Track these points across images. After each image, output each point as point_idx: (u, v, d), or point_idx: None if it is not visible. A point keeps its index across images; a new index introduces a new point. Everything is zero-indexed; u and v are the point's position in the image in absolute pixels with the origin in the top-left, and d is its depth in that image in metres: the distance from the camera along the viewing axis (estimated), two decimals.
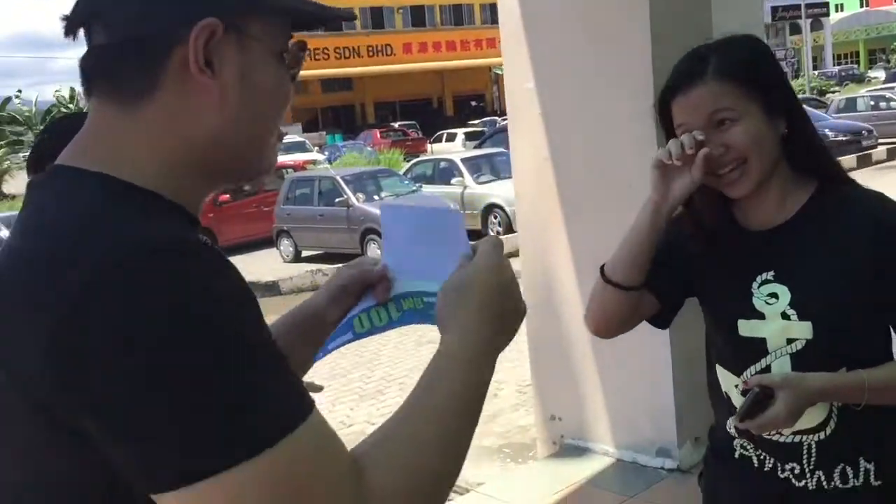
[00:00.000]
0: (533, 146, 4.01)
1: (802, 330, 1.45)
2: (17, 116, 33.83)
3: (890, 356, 1.51)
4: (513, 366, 6.27)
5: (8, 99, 37.16)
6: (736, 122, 1.44)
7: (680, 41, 3.59)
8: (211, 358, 0.66)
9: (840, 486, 1.49)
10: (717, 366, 1.59)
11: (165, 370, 0.65)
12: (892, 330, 1.52)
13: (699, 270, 1.61)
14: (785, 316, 1.46)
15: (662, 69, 3.52)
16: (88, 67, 0.81)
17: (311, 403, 0.72)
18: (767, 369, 1.48)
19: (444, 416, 0.80)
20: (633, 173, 3.63)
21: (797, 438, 1.49)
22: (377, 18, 45.54)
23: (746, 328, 1.50)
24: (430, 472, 0.77)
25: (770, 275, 1.48)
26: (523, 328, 4.36)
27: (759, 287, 1.49)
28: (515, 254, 5.16)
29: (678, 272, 1.63)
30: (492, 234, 13.33)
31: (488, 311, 0.88)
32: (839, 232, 1.46)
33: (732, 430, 1.51)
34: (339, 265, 11.78)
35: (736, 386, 1.54)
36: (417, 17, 46.43)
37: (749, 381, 1.43)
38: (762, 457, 1.55)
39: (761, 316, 1.48)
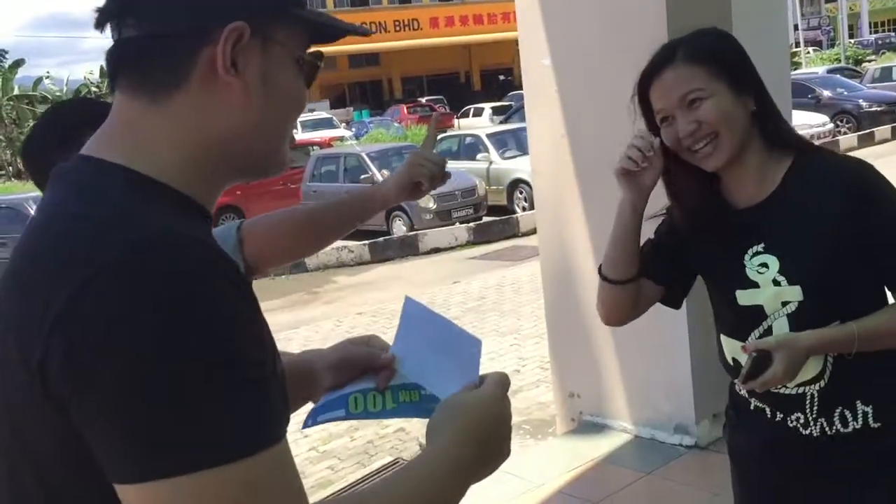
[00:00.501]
0: (549, 123, 3.99)
1: (793, 293, 1.57)
2: (48, 96, 34.21)
3: (883, 303, 1.62)
4: (535, 342, 6.29)
5: (39, 79, 37.56)
6: (705, 99, 1.56)
7: (696, 18, 3.55)
8: (190, 366, 0.69)
9: (841, 430, 1.60)
10: (721, 335, 1.71)
11: (142, 371, 0.68)
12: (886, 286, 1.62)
13: (695, 251, 1.72)
14: (776, 283, 1.58)
15: None
16: (116, 60, 0.84)
17: (280, 434, 0.74)
18: (769, 331, 1.60)
19: None
20: None
21: (799, 390, 1.61)
22: None
23: (744, 297, 1.61)
24: None
25: (760, 247, 1.60)
26: (540, 308, 4.35)
27: (750, 259, 1.61)
28: (533, 231, 5.16)
29: (674, 255, 1.74)
30: (518, 210, 13.30)
31: (473, 437, 0.89)
32: (819, 199, 1.57)
33: (744, 392, 1.66)
34: (366, 241, 11.79)
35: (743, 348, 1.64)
36: None
37: (747, 346, 1.55)
38: (774, 409, 1.66)
39: (755, 285, 1.60)
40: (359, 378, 1.10)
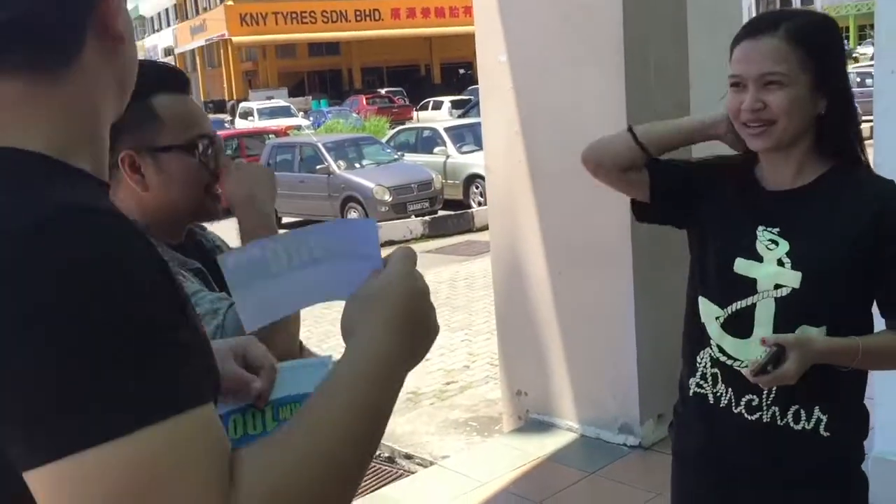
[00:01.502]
0: (504, 120, 3.97)
1: (791, 278, 1.57)
2: None
3: (868, 326, 1.63)
4: (486, 338, 6.29)
5: None
6: (783, 86, 1.54)
7: (652, 19, 3.61)
8: (94, 335, 0.64)
9: (792, 425, 1.61)
10: (701, 297, 1.69)
11: (41, 345, 0.63)
12: (876, 306, 1.64)
13: (714, 207, 1.71)
14: (780, 263, 1.58)
15: (634, 45, 3.52)
16: None
17: (203, 398, 0.69)
18: (752, 308, 1.61)
19: (336, 429, 0.75)
20: None
21: (797, 338, 1.58)
22: None
23: (742, 266, 1.62)
24: (309, 485, 0.72)
25: (774, 230, 1.61)
26: (492, 303, 4.36)
27: (761, 237, 1.62)
28: (486, 227, 5.17)
29: (684, 188, 1.77)
30: (474, 205, 13.30)
31: (393, 324, 0.83)
32: (846, 205, 1.58)
33: (705, 362, 1.68)
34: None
35: (717, 318, 1.65)
36: None
37: (767, 339, 1.53)
38: (718, 393, 1.67)
39: (759, 259, 1.60)
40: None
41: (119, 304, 0.66)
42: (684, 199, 1.76)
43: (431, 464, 4.13)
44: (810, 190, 1.61)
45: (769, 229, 1.61)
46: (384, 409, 0.80)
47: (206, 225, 1.69)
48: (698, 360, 1.70)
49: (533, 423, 4.13)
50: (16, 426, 0.64)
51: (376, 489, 3.85)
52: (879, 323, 1.65)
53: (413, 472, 4.08)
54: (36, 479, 0.64)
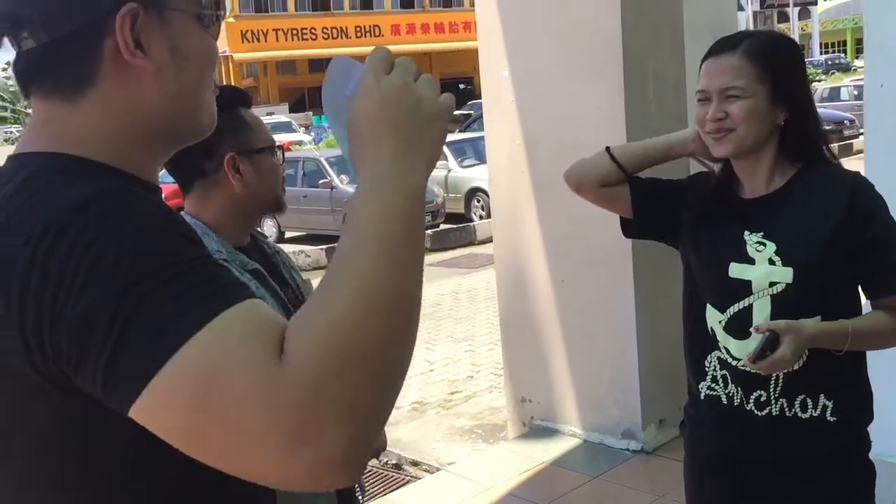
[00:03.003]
0: (507, 133, 4.07)
1: (784, 274, 1.67)
2: (3, 94, 33.43)
3: (857, 308, 1.74)
4: (489, 349, 6.36)
5: None
6: (742, 98, 1.69)
7: (651, 33, 3.71)
8: (126, 284, 0.71)
9: (800, 414, 1.70)
10: (708, 304, 1.80)
11: (93, 308, 0.70)
12: (861, 288, 1.75)
13: (696, 224, 1.85)
14: (771, 261, 1.69)
15: (633, 61, 3.63)
16: (21, 71, 0.86)
17: (231, 297, 0.72)
18: (749, 308, 1.71)
19: (373, 259, 0.73)
20: None
21: (790, 325, 1.67)
22: None
23: (737, 270, 1.73)
24: (362, 326, 0.71)
25: (759, 234, 1.73)
26: (494, 315, 4.42)
27: (749, 241, 1.73)
28: (490, 240, 5.26)
29: (663, 205, 1.93)
30: (475, 219, 13.38)
31: (381, 134, 0.80)
32: (819, 200, 1.70)
33: (744, 363, 1.70)
34: (323, 246, 11.68)
35: (720, 322, 1.76)
36: None
37: (759, 326, 1.64)
38: (730, 393, 1.76)
39: (751, 261, 1.71)
40: None
41: (153, 240, 0.74)
42: (664, 214, 1.90)
43: (438, 470, 4.20)
44: (784, 192, 1.74)
45: (754, 233, 1.73)
46: (413, 226, 0.77)
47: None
48: (707, 364, 1.80)
49: (537, 429, 4.20)
50: (110, 370, 0.70)
51: (384, 495, 3.92)
52: (866, 307, 1.75)
53: (420, 479, 4.16)
54: (139, 409, 0.70)
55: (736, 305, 1.73)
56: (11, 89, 34.61)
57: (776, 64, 1.71)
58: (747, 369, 1.69)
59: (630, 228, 2.01)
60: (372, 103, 0.82)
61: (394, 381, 0.73)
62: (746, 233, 1.74)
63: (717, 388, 1.79)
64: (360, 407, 0.69)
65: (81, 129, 0.84)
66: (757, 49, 1.71)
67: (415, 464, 4.42)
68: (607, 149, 1.93)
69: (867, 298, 1.75)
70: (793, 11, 44.54)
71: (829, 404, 1.70)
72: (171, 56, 0.85)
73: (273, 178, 1.71)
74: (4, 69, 36.06)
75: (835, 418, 1.70)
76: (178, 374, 0.69)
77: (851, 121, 18.87)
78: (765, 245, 1.71)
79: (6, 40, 0.86)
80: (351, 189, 13.04)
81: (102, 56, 0.83)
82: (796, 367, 1.67)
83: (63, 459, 0.79)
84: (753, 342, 1.66)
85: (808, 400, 1.70)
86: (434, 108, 0.83)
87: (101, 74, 0.83)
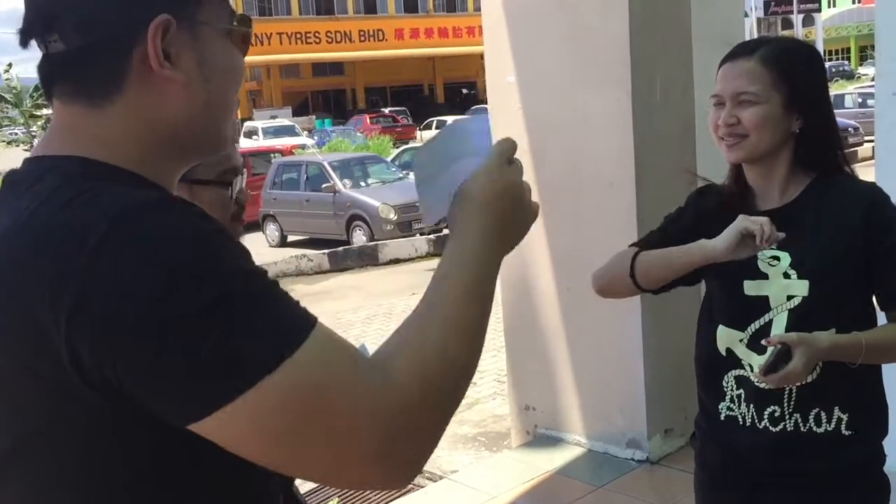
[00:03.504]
0: (513, 139, 4.04)
1: (800, 287, 1.66)
2: (5, 95, 33.52)
3: (873, 321, 1.71)
4: (492, 356, 6.33)
5: None
6: (755, 104, 1.67)
7: (658, 41, 3.69)
8: (210, 299, 0.72)
9: (815, 428, 1.68)
10: (720, 325, 1.77)
11: (170, 319, 0.71)
12: (875, 300, 1.72)
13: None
14: (786, 275, 1.67)
15: (641, 67, 3.60)
16: (47, 74, 0.85)
17: (312, 320, 0.77)
18: (769, 324, 1.69)
19: (456, 309, 0.84)
20: (611, 170, 3.69)
21: (802, 337, 1.63)
22: (370, 4, 45.35)
23: (752, 287, 1.70)
24: (445, 359, 0.81)
25: (773, 247, 1.67)
26: (500, 320, 4.42)
27: (763, 255, 1.68)
28: None
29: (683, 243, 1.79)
30: None
31: (487, 217, 0.91)
32: (834, 211, 1.68)
33: (756, 378, 1.66)
34: (325, 251, 11.68)
35: (741, 340, 1.73)
36: (410, 3, 46.24)
37: (771, 339, 1.60)
38: (745, 412, 1.74)
39: (765, 276, 1.69)
40: None
41: (226, 262, 0.75)
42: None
43: (441, 478, 4.17)
44: (799, 203, 1.71)
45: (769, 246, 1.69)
46: (487, 293, 0.89)
47: None
48: (724, 384, 1.76)
49: (541, 437, 4.17)
50: (178, 386, 0.72)
51: (388, 503, 3.89)
52: (881, 318, 1.72)
53: (423, 487, 4.12)
54: (213, 424, 0.73)
55: (757, 322, 1.71)
56: (15, 91, 34.66)
57: (793, 71, 1.69)
58: (762, 385, 1.66)
59: (656, 290, 1.86)
60: (493, 186, 0.92)
61: (463, 395, 0.86)
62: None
63: (735, 408, 1.76)
64: (443, 424, 0.82)
65: (106, 135, 0.84)
66: (774, 55, 1.68)
67: None
68: (631, 265, 1.78)
69: (882, 310, 1.72)
70: (797, 18, 44.57)
71: (845, 417, 1.68)
72: (198, 69, 0.86)
73: (215, 212, 1.54)
74: (6, 70, 36.16)
75: (850, 432, 1.68)
76: (280, 390, 0.73)
77: (856, 128, 18.86)
78: (779, 259, 1.68)
79: (33, 42, 0.85)
80: (353, 193, 13.07)
81: (131, 64, 0.83)
82: (809, 379, 1.64)
83: (85, 464, 0.80)
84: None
85: (823, 413, 1.68)
86: (529, 213, 0.97)
87: (129, 82, 0.83)
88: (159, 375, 0.72)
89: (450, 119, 29.16)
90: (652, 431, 3.80)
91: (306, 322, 0.76)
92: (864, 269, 1.65)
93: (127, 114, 0.84)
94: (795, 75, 1.69)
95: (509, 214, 0.93)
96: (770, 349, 1.58)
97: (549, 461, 3.94)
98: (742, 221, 1.59)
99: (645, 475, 3.73)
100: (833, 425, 1.68)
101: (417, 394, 0.77)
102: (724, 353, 1.76)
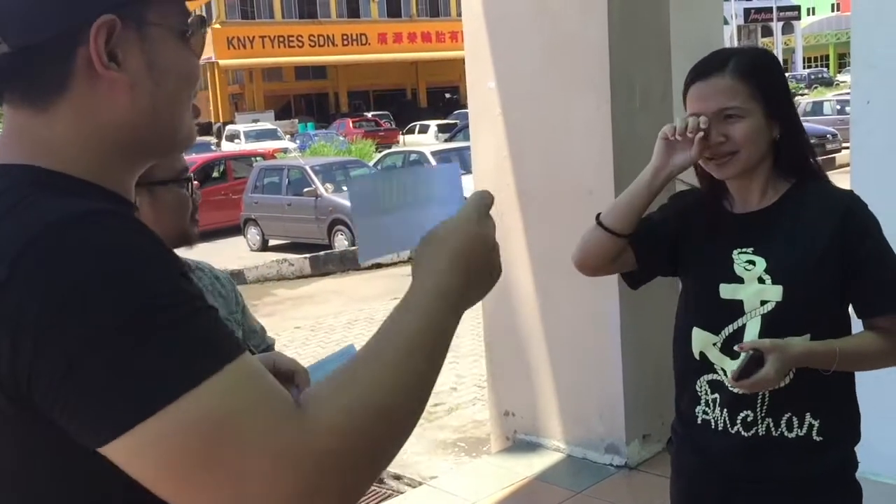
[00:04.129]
0: (493, 145, 4.05)
1: (774, 293, 1.65)
2: None
3: (847, 328, 1.72)
4: (472, 361, 6.33)
5: None
6: (741, 118, 1.66)
7: (637, 48, 3.71)
8: (123, 319, 0.70)
9: (786, 434, 1.68)
10: (694, 328, 1.77)
11: (85, 334, 0.69)
12: (851, 307, 1.72)
13: (688, 243, 1.81)
14: (761, 280, 1.67)
15: (620, 73, 3.62)
16: None
17: (232, 353, 0.74)
18: (742, 329, 1.69)
19: (399, 356, 0.80)
20: (591, 175, 3.70)
21: (774, 343, 1.64)
22: (353, 7, 45.31)
23: (727, 291, 1.71)
24: (377, 410, 0.77)
25: (749, 250, 1.70)
26: (478, 326, 4.42)
27: (738, 258, 1.70)
28: None
29: (664, 244, 1.84)
30: None
31: (454, 264, 0.88)
32: (811, 216, 1.68)
33: (728, 382, 1.69)
34: (307, 255, 11.62)
35: (714, 344, 1.74)
36: (393, 7, 46.25)
37: (744, 345, 1.61)
38: (718, 416, 1.74)
39: (740, 280, 1.69)
40: None
41: (148, 282, 0.72)
42: (668, 250, 1.85)
43: (420, 484, 4.16)
44: (776, 207, 1.71)
45: (744, 250, 1.70)
46: (442, 335, 0.85)
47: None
48: (698, 388, 1.77)
49: (520, 443, 4.17)
50: (84, 406, 0.69)
51: None
52: (857, 325, 1.73)
53: (402, 493, 4.11)
54: (115, 449, 0.70)
55: (730, 326, 1.71)
56: None
57: (765, 79, 1.70)
58: (735, 390, 1.66)
59: (635, 280, 1.92)
60: (467, 235, 0.91)
61: (396, 450, 0.82)
62: (736, 251, 1.71)
63: (709, 412, 1.77)
64: (370, 471, 0.78)
65: (51, 139, 0.82)
66: (745, 67, 1.68)
67: (396, 477, 4.38)
68: (597, 219, 1.82)
69: (858, 318, 1.73)
70: (776, 26, 45.00)
71: (816, 423, 1.68)
72: (147, 70, 0.83)
73: (177, 212, 1.60)
74: None
75: (821, 438, 1.68)
76: (180, 422, 0.69)
77: (834, 135, 19.04)
78: (754, 263, 1.69)
79: None
80: (335, 197, 13.05)
81: (75, 66, 0.81)
82: (782, 384, 1.65)
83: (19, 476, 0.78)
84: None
85: (795, 419, 1.68)
86: (496, 271, 0.95)
87: (72, 84, 0.81)
88: (64, 397, 0.70)
89: (433, 123, 29.22)
90: (630, 437, 3.81)
91: (225, 354, 0.73)
92: (840, 276, 1.65)
93: (71, 117, 0.82)
94: (768, 83, 1.70)
95: (475, 269, 0.91)
96: (742, 355, 1.59)
97: (529, 467, 3.94)
98: (662, 130, 1.69)
99: (623, 480, 3.74)
100: (804, 431, 1.68)
101: (338, 441, 0.73)
102: (697, 357, 1.76)
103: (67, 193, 0.78)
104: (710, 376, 1.75)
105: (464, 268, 0.89)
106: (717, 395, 1.74)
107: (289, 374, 1.13)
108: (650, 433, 3.83)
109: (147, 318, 0.70)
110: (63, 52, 0.80)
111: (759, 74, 1.69)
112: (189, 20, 0.88)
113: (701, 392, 1.77)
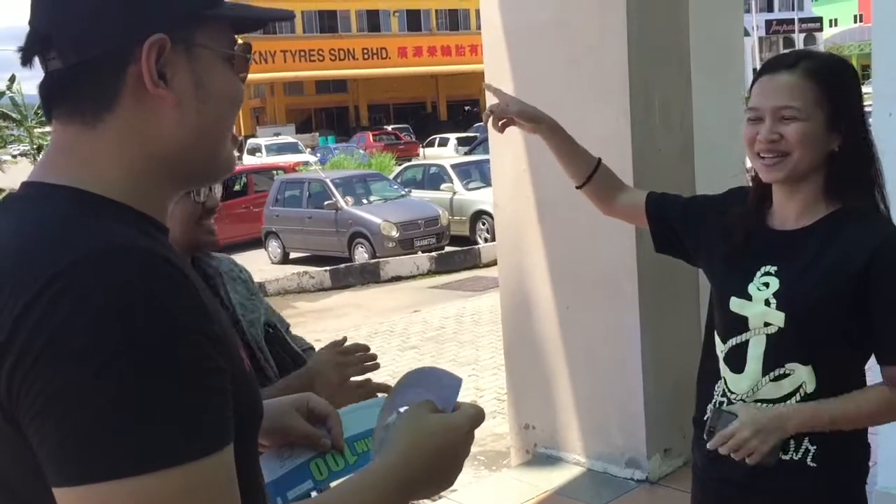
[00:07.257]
0: (512, 157, 4.06)
1: (777, 318, 1.63)
2: (10, 113, 33.56)
3: (860, 371, 1.66)
4: (492, 373, 6.32)
5: (1, 94, 36.77)
6: (799, 120, 1.59)
7: (657, 63, 3.70)
8: (129, 374, 0.70)
9: (781, 456, 1.64)
10: (715, 331, 1.78)
11: (80, 376, 0.69)
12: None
13: (719, 245, 1.78)
14: (767, 303, 1.65)
15: (639, 85, 3.62)
16: (46, 92, 0.85)
17: (217, 441, 0.73)
18: (745, 344, 1.68)
19: None
20: None
21: (757, 405, 1.66)
22: (373, 22, 45.60)
23: (736, 305, 1.70)
24: None
25: (773, 269, 1.66)
26: (498, 339, 4.39)
27: (760, 276, 1.67)
28: (495, 263, 5.25)
29: (671, 225, 1.90)
30: (480, 241, 13.36)
31: (425, 461, 0.92)
32: (840, 245, 1.60)
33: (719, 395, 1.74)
34: (327, 268, 11.67)
35: (721, 352, 1.74)
36: (413, 21, 46.50)
37: (712, 407, 1.65)
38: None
39: (749, 298, 1.67)
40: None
41: (149, 348, 0.71)
42: (678, 229, 1.87)
43: (440, 497, 4.15)
44: (809, 231, 1.65)
45: (768, 269, 1.66)
46: None
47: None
48: (716, 389, 1.76)
49: (541, 457, 4.15)
50: (51, 449, 0.70)
51: None
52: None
53: None
54: (62, 495, 0.71)
55: (735, 338, 1.70)
56: (19, 108, 34.61)
57: (836, 87, 1.61)
58: (735, 404, 1.68)
59: (654, 241, 1.97)
60: (455, 444, 0.95)
61: None
62: (762, 267, 1.67)
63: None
64: None
65: (97, 159, 0.83)
66: (817, 70, 1.60)
67: None
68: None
69: (878, 363, 1.64)
70: (798, 37, 44.72)
71: (812, 450, 1.64)
72: (194, 90, 0.85)
73: (185, 222, 1.61)
74: (9, 86, 36.20)
75: (815, 464, 1.64)
76: (126, 497, 0.69)
77: None
78: (768, 285, 1.65)
79: (36, 59, 0.85)
80: (355, 210, 13.10)
81: (125, 83, 0.83)
82: (793, 401, 1.63)
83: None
84: (746, 378, 1.67)
85: (792, 441, 1.63)
86: (449, 479, 0.96)
87: (121, 101, 0.83)
88: (38, 428, 0.70)
89: (452, 136, 29.26)
90: (651, 451, 3.79)
91: (205, 445, 0.72)
92: (854, 315, 1.58)
93: (118, 134, 0.83)
94: (838, 93, 1.61)
95: (440, 475, 0.94)
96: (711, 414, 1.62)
97: (549, 480, 3.92)
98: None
99: (644, 495, 3.71)
100: (800, 455, 1.64)
101: None
102: (717, 360, 1.76)
103: (107, 220, 0.79)
104: (720, 382, 1.76)
105: (436, 470, 0.93)
106: (724, 399, 1.74)
107: (322, 417, 1.14)
108: (671, 447, 3.81)
109: (139, 380, 0.70)
110: (114, 70, 0.82)
111: (829, 80, 1.60)
112: (235, 46, 0.90)
113: (717, 395, 1.77)
